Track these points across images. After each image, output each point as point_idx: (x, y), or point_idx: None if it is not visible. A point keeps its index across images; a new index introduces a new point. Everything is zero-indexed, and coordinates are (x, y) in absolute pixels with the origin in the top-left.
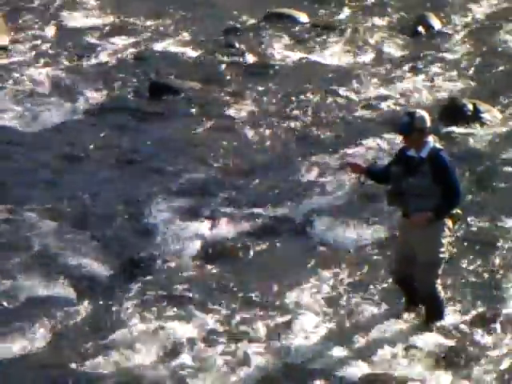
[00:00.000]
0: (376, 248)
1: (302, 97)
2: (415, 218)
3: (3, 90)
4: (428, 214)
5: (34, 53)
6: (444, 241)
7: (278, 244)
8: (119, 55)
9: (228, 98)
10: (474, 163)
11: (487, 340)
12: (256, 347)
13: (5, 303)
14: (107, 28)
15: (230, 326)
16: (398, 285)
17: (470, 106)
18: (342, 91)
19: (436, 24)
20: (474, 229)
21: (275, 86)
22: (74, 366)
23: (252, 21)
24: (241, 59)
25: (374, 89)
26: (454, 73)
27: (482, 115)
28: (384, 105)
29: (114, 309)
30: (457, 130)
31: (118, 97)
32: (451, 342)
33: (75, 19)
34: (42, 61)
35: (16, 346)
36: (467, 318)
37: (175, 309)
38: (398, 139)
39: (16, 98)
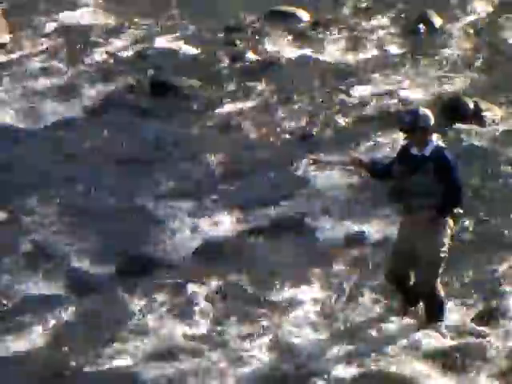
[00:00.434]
0: (376, 247)
1: (302, 95)
2: (418, 217)
3: (2, 87)
4: (431, 213)
5: (33, 50)
6: (445, 240)
7: (277, 243)
8: (119, 53)
9: (228, 96)
10: (475, 161)
11: (488, 339)
12: (255, 346)
13: (3, 302)
14: (107, 25)
15: (229, 325)
16: (391, 284)
17: (471, 105)
18: (343, 89)
19: (437, 21)
20: (475, 227)
21: (276, 84)
22: (73, 365)
23: (253, 18)
24: (241, 57)
25: (375, 86)
26: (455, 71)
27: (483, 113)
28: (385, 103)
29: (113, 308)
30: (458, 128)
31: (118, 94)
32: (452, 342)
33: (75, 16)
34: (41, 58)
35: (14, 346)
36: (468, 317)
37: (175, 308)
38: (400, 137)
39: (15, 96)
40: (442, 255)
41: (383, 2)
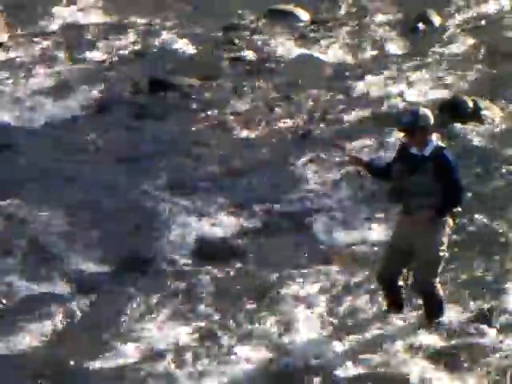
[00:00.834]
0: (375, 246)
1: (302, 94)
2: (418, 217)
3: (1, 87)
4: (431, 213)
5: (32, 49)
6: (444, 239)
7: (276, 242)
8: (118, 51)
9: (228, 94)
10: (474, 160)
11: (488, 338)
12: (254, 345)
13: (4, 301)
14: (106, 24)
15: (228, 324)
16: (381, 284)
17: (471, 103)
18: (342, 88)
19: (437, 21)
20: (475, 226)
21: (275, 83)
22: (72, 364)
23: (252, 17)
24: (240, 56)
25: (375, 86)
26: (455, 70)
27: (482, 112)
28: (385, 102)
29: (112, 308)
30: (457, 126)
31: (117, 93)
32: (452, 341)
33: (74, 15)
34: (40, 57)
35: (14, 345)
36: (468, 316)
37: (174, 307)
38: (400, 137)
39: (14, 95)
40: (441, 254)
41: (383, 1)
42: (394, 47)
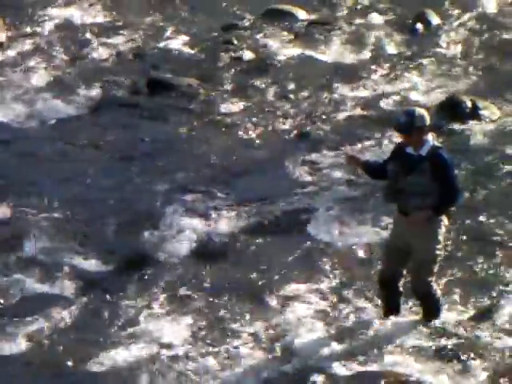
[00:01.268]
0: (374, 247)
1: (300, 94)
2: (414, 218)
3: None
4: (427, 213)
5: (30, 49)
6: (441, 238)
7: (275, 242)
8: (117, 52)
9: (226, 94)
10: (472, 160)
11: (487, 338)
12: (254, 346)
13: (2, 301)
14: (105, 24)
15: (227, 324)
16: (382, 287)
17: (469, 103)
18: (340, 88)
19: (435, 21)
20: (473, 226)
21: (273, 83)
22: (71, 364)
23: (250, 17)
24: (239, 56)
25: (373, 86)
26: (453, 70)
27: (481, 112)
28: (383, 102)
29: (112, 308)
30: (455, 126)
31: (116, 93)
32: (451, 340)
33: (72, 15)
34: (38, 57)
35: (13, 345)
36: (467, 316)
37: (173, 307)
38: (397, 137)
39: (13, 95)
40: (438, 253)
41: (381, 1)
42: (393, 47)
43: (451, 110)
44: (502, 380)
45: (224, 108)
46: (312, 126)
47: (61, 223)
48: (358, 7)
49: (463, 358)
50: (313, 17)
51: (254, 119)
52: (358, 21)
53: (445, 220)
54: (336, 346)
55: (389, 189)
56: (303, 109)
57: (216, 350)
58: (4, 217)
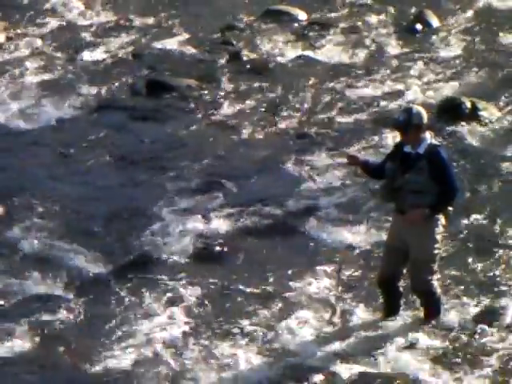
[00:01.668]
0: (373, 247)
1: (299, 94)
2: (411, 216)
3: None
4: (424, 211)
5: (29, 50)
6: (438, 237)
7: (274, 242)
8: (116, 52)
9: (225, 95)
10: (472, 161)
11: (488, 338)
12: (253, 346)
13: (2, 301)
14: (104, 25)
15: (226, 324)
16: (382, 288)
17: (468, 104)
18: (339, 89)
19: (434, 21)
20: (473, 225)
21: (272, 83)
22: (69, 365)
23: (250, 18)
24: (238, 56)
25: (372, 86)
26: (453, 70)
27: (480, 113)
28: (382, 102)
29: (111, 308)
30: (455, 127)
31: (115, 94)
32: (452, 341)
33: (72, 16)
34: (37, 58)
35: (12, 346)
36: (467, 316)
37: (172, 308)
38: (396, 137)
39: (12, 96)
40: (436, 252)
41: (380, 1)
42: (392, 48)
43: (450, 110)
44: (503, 380)
45: (223, 109)
46: (311, 127)
47: (61, 223)
48: (358, 8)
49: (464, 357)
50: (312, 17)
51: (254, 120)
52: (357, 21)
53: (442, 219)
54: (336, 346)
55: (386, 187)
56: (303, 109)
57: (216, 350)
58: (4, 217)
